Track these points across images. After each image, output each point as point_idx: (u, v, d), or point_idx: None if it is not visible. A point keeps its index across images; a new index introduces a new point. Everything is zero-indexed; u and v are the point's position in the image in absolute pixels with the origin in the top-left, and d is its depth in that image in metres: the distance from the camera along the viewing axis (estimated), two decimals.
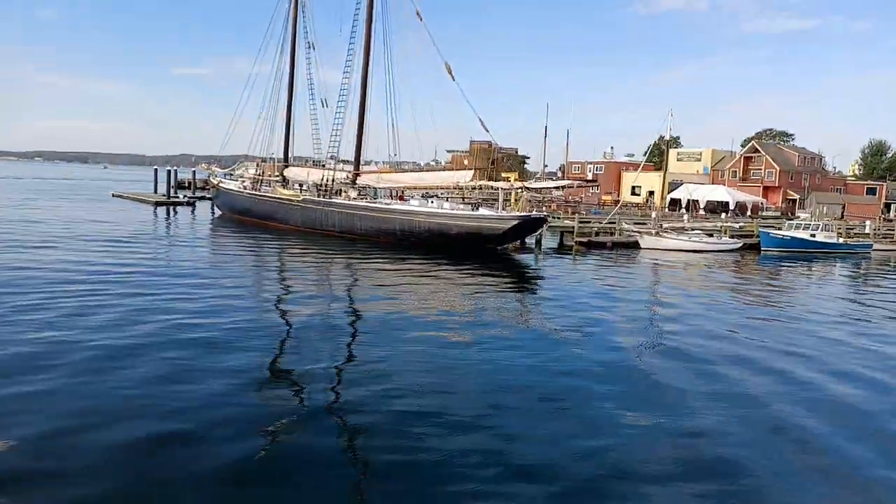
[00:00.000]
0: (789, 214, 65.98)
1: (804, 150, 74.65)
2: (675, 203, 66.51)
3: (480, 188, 30.73)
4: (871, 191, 74.92)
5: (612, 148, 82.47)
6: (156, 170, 58.09)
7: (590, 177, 77.23)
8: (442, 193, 32.20)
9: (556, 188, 36.23)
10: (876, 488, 7.39)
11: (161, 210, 44.56)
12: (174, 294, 15.85)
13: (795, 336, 14.96)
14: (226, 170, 48.76)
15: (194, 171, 61.57)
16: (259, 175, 40.38)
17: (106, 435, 7.56)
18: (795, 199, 68.77)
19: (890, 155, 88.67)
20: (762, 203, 67.10)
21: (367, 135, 35.28)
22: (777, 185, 69.10)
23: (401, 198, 34.09)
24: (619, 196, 72.95)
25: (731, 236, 37.58)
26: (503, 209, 30.78)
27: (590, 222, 36.52)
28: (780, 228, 38.49)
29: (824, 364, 12.39)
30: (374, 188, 35.89)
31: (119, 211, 42.58)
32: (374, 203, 32.19)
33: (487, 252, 29.29)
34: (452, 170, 33.68)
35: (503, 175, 59.43)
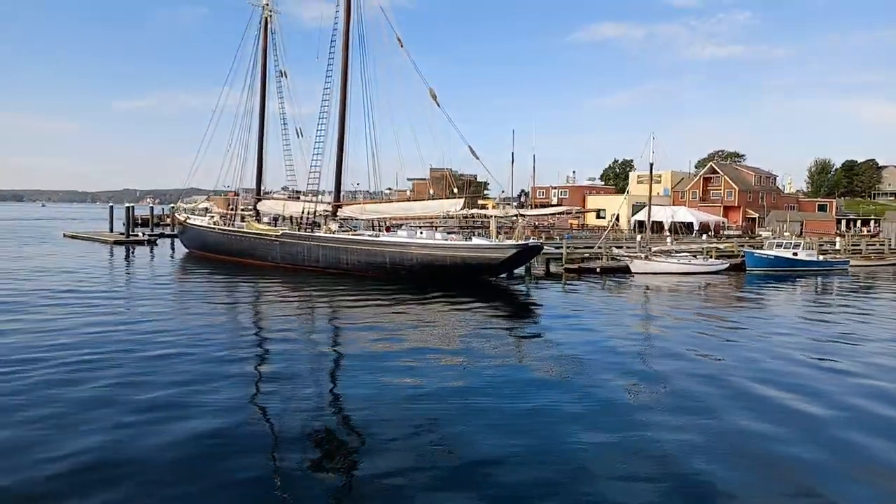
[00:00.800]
0: (750, 233, 67.79)
1: (758, 169, 77.27)
2: (640, 225, 67.32)
3: (473, 217, 29.70)
4: (822, 207, 78.06)
5: (573, 172, 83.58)
6: (111, 207, 54.81)
7: (555, 201, 77.82)
8: (431, 223, 31.04)
9: (553, 215, 35.57)
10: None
11: (120, 250, 41.60)
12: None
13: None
14: (170, 205, 46.57)
15: (152, 207, 58.59)
16: (231, 209, 38.30)
17: None
18: (755, 218, 70.70)
19: (833, 174, 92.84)
20: (724, 222, 68.70)
21: (347, 164, 33.95)
22: (737, 204, 70.97)
23: (387, 229, 32.75)
24: (583, 220, 73.40)
25: (717, 257, 37.75)
26: (495, 237, 29.81)
27: (578, 247, 35.98)
28: (760, 248, 38.93)
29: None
30: (356, 220, 34.44)
31: (79, 256, 37.36)
32: (362, 235, 30.74)
33: (479, 282, 28.24)
34: (441, 198, 32.59)
35: (479, 202, 58.78)
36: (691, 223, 65.02)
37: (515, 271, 31.15)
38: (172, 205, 51.80)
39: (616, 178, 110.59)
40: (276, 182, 40.95)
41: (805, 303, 26.91)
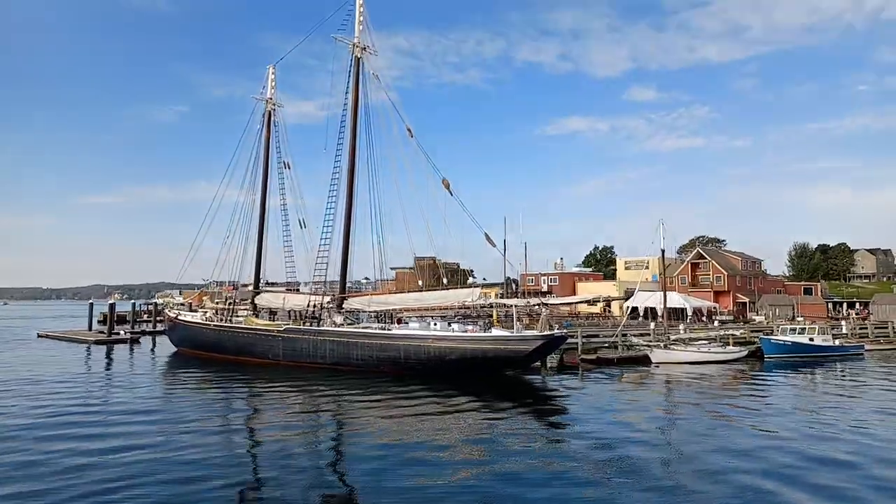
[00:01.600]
0: (742, 317, 67.59)
1: (743, 254, 78.33)
2: (634, 311, 66.71)
3: (491, 306, 28.43)
4: (808, 291, 78.81)
5: (561, 259, 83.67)
6: (91, 304, 52.00)
7: (545, 288, 77.21)
8: (448, 313, 29.63)
9: (576, 303, 34.53)
10: None
11: (99, 350, 38.83)
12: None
13: None
14: (142, 300, 44.67)
15: (134, 304, 55.98)
16: (229, 304, 36.36)
17: None
18: (745, 303, 70.76)
19: (811, 258, 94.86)
20: (716, 307, 68.51)
21: (353, 255, 32.79)
22: (726, 289, 71.13)
23: (399, 321, 31.16)
24: (574, 308, 72.59)
25: (734, 344, 36.76)
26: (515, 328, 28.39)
27: (597, 336, 34.73)
28: (771, 333, 38.14)
29: None
30: (362, 312, 32.82)
31: (67, 362, 32.97)
32: (373, 329, 29.04)
33: (501, 377, 26.58)
34: (456, 288, 31.32)
35: (497, 291, 57.64)
36: (684, 309, 64.67)
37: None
38: (156, 300, 49.61)
39: (597, 263, 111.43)
40: (275, 274, 39.43)
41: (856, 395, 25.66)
